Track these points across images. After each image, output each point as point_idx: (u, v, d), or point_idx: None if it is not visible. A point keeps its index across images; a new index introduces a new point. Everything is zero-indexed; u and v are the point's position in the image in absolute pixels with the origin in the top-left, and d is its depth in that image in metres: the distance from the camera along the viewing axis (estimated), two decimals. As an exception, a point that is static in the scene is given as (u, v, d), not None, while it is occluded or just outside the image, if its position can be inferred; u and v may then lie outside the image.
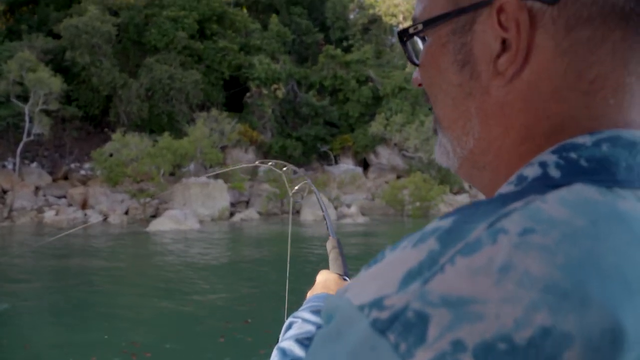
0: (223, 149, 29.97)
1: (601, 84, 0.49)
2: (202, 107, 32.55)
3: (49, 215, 24.04)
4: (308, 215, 25.27)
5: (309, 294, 1.13)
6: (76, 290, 11.17)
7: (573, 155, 0.48)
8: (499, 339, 0.36)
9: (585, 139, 0.48)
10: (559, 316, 0.36)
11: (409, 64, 38.45)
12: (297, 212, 26.49)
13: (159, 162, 24.78)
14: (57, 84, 26.83)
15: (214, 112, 29.86)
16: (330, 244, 1.35)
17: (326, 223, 1.46)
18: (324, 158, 35.52)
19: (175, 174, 26.99)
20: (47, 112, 28.06)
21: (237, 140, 30.58)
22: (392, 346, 0.38)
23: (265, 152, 33.14)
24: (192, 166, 27.41)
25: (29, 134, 26.98)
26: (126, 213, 25.07)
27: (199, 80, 32.26)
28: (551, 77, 0.50)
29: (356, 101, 35.91)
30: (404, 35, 0.59)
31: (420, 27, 0.57)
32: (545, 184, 0.47)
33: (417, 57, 0.61)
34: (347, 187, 31.00)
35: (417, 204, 27.02)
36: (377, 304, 0.40)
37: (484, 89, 0.53)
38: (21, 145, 27.03)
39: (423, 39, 0.60)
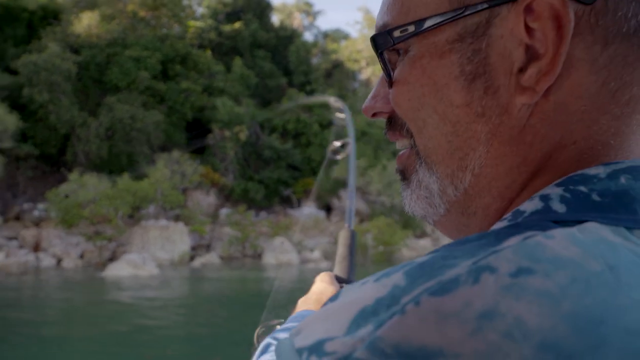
0: (184, 191, 29.39)
1: (633, 108, 0.43)
2: (164, 149, 31.99)
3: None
4: (271, 259, 24.74)
5: (300, 304, 0.91)
6: (22, 342, 10.46)
7: (582, 188, 0.39)
8: None
9: (598, 170, 0.41)
10: None
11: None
12: (259, 256, 25.97)
13: (117, 204, 24.04)
14: (12, 121, 26.00)
15: (175, 153, 29.36)
16: (342, 236, 1.06)
17: (348, 206, 1.15)
18: (287, 201, 35.19)
19: (134, 216, 26.20)
20: (0, 150, 27.08)
21: (199, 182, 30.06)
22: None
23: (227, 195, 32.67)
24: (151, 208, 26.68)
25: (-21, 173, 25.91)
26: (81, 257, 24.10)
27: (160, 121, 31.78)
28: (583, 96, 0.42)
29: (319, 145, 35.93)
30: (383, 42, 0.46)
31: (411, 29, 0.44)
32: (546, 219, 0.38)
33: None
34: (310, 231, 30.68)
35: (381, 248, 26.84)
36: (317, 348, 0.32)
37: (502, 108, 0.43)
38: (-29, 184, 25.94)
39: (396, 52, 0.47)
